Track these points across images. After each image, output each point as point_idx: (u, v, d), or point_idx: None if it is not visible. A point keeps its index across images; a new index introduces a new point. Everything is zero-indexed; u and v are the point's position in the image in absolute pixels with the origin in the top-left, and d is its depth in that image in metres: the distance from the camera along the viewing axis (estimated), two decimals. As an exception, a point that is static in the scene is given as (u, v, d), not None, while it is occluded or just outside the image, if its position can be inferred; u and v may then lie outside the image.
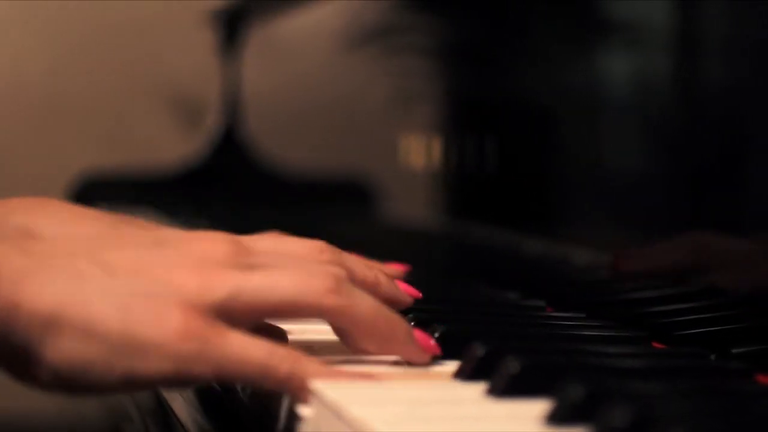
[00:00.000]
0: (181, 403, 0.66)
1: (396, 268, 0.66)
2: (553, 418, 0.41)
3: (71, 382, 0.45)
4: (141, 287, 0.46)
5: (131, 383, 0.45)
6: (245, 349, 0.46)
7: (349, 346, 0.50)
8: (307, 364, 0.46)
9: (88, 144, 1.62)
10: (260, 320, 0.49)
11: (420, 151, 1.12)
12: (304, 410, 0.46)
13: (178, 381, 0.46)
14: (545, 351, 0.50)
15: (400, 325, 0.49)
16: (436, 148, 1.09)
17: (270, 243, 0.52)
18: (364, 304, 0.48)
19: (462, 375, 0.48)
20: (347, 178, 1.25)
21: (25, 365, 0.45)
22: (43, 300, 0.45)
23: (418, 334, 0.50)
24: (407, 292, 0.56)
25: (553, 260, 0.81)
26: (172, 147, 1.48)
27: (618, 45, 0.84)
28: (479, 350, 0.47)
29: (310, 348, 0.52)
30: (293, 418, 0.46)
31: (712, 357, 0.53)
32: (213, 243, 0.49)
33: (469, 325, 0.56)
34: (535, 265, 0.84)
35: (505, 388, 0.44)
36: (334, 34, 1.23)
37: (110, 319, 0.45)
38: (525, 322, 0.60)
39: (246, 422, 0.54)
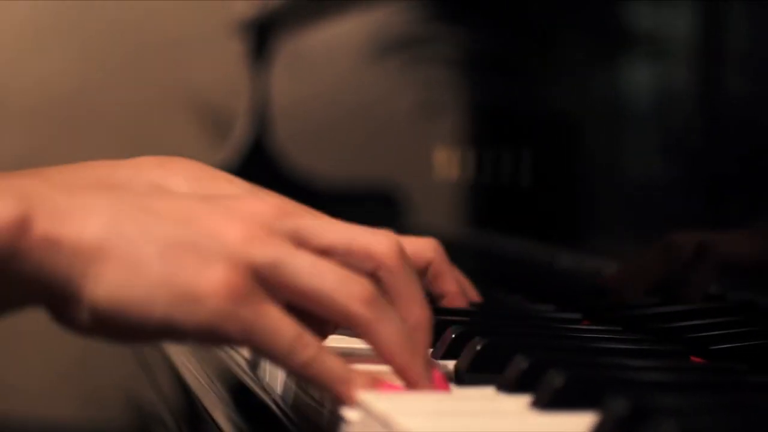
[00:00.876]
0: (215, 402, 0.66)
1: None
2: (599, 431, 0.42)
3: (109, 323, 0.45)
4: (185, 234, 0.45)
5: (168, 330, 0.45)
6: (278, 322, 0.45)
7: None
8: (328, 359, 0.46)
9: (118, 153, 1.63)
10: (288, 300, 0.48)
11: (446, 162, 1.13)
12: (350, 413, 0.46)
13: (210, 337, 0.45)
14: (587, 364, 0.51)
15: (418, 358, 0.48)
16: (463, 158, 1.09)
17: (328, 225, 0.50)
18: (391, 326, 0.47)
19: (505, 387, 0.48)
20: (374, 189, 1.26)
21: (65, 302, 0.45)
22: (84, 236, 0.44)
23: (435, 374, 0.48)
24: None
25: (585, 273, 0.82)
26: (201, 157, 1.49)
27: (645, 55, 0.84)
28: (522, 363, 0.48)
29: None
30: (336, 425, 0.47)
31: (749, 372, 0.53)
32: (265, 202, 0.49)
33: (509, 338, 0.56)
34: (566, 277, 0.84)
35: (550, 401, 0.45)
36: (361, 45, 1.23)
37: (153, 261, 0.44)
38: (563, 335, 0.61)
39: (286, 426, 0.55)
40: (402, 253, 0.50)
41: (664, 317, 0.64)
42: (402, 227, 1.23)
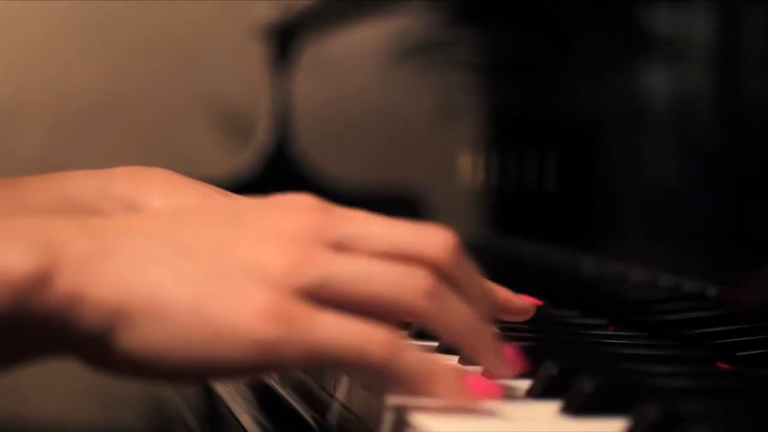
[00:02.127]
0: (241, 405, 0.66)
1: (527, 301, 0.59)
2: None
3: (147, 371, 0.42)
4: (218, 267, 0.43)
5: (213, 369, 0.42)
6: (339, 330, 0.42)
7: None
8: (408, 353, 0.43)
9: (138, 156, 1.64)
10: (347, 309, 0.44)
11: (467, 166, 1.13)
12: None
13: (264, 366, 0.42)
14: (616, 370, 0.51)
15: (488, 338, 0.46)
16: (484, 162, 1.10)
17: (369, 224, 0.46)
18: (458, 312, 0.45)
19: (534, 393, 0.49)
20: (395, 192, 1.26)
21: (95, 354, 0.43)
22: (108, 289, 0.42)
23: (507, 350, 0.47)
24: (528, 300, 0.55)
25: (609, 278, 0.82)
26: (222, 161, 1.49)
27: (666, 58, 0.84)
28: (552, 369, 0.48)
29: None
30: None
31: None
32: (300, 214, 0.45)
33: (536, 343, 0.56)
34: (590, 282, 0.84)
35: (581, 406, 0.45)
36: (382, 50, 1.24)
37: (183, 301, 0.41)
38: (590, 340, 0.61)
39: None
40: (457, 247, 0.46)
41: (690, 323, 0.64)
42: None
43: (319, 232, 0.44)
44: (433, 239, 0.46)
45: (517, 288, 0.91)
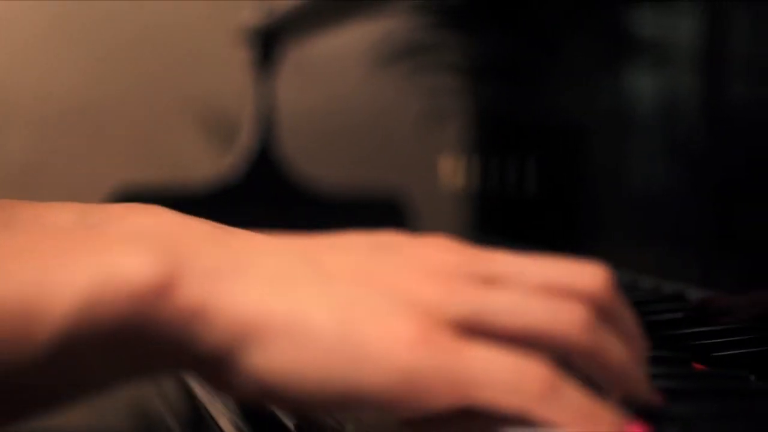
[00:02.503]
0: (220, 409, 0.66)
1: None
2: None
3: (279, 396, 0.39)
4: (363, 293, 0.40)
5: (352, 397, 0.39)
6: (491, 362, 0.39)
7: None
8: (568, 392, 0.39)
9: (122, 159, 1.64)
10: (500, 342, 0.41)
11: (452, 170, 1.13)
12: None
13: (407, 398, 0.38)
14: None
15: (642, 381, 0.43)
16: (469, 166, 1.09)
17: (518, 259, 0.44)
18: (615, 350, 0.42)
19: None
20: (380, 196, 1.26)
21: (221, 374, 0.39)
22: (246, 305, 0.38)
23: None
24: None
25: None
26: (206, 164, 1.49)
27: (651, 63, 0.84)
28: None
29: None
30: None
31: (752, 378, 0.53)
32: (444, 251, 0.42)
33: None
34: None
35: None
36: (368, 54, 1.24)
37: (325, 323, 0.38)
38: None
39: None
40: (613, 284, 0.43)
41: (667, 324, 0.64)
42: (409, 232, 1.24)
43: (467, 266, 0.42)
44: (587, 274, 0.43)
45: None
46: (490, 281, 0.42)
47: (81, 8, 1.68)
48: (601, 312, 0.42)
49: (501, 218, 1.07)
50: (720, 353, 0.58)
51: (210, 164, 1.43)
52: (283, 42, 1.30)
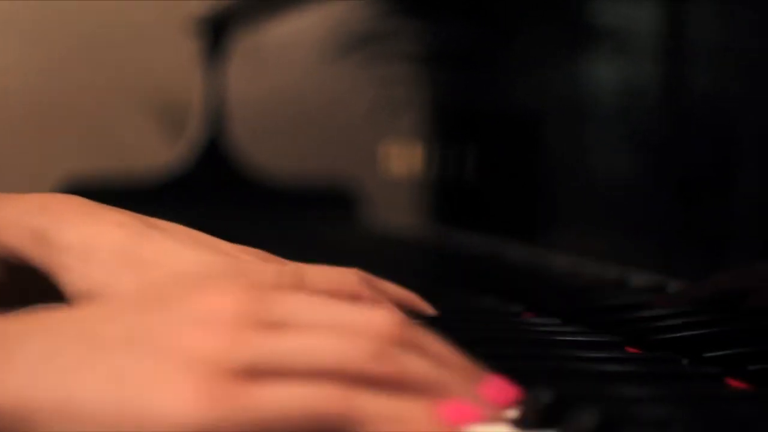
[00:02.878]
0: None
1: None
2: (521, 423, 0.41)
3: None
4: (140, 357, 0.39)
5: None
6: (283, 397, 0.38)
7: None
8: (367, 396, 0.39)
9: (72, 149, 1.62)
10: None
11: (404, 159, 1.12)
12: None
13: None
14: (519, 356, 0.50)
15: (461, 381, 0.42)
16: (421, 155, 1.09)
17: (301, 303, 0.42)
18: (422, 367, 0.41)
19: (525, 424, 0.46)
20: (332, 186, 1.25)
21: None
22: (12, 391, 0.38)
23: (494, 383, 0.42)
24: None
25: (534, 266, 0.81)
26: (157, 153, 1.48)
27: (604, 52, 0.84)
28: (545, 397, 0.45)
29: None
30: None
31: (685, 362, 0.53)
32: (231, 295, 0.41)
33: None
34: (515, 271, 0.84)
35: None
36: (320, 42, 1.23)
37: (100, 401, 0.38)
38: (500, 327, 0.60)
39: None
40: (406, 323, 0.42)
41: (603, 309, 0.64)
42: (358, 224, 1.23)
43: (253, 312, 0.40)
44: (377, 314, 0.42)
45: (441, 276, 0.91)
46: (277, 325, 0.40)
47: (28, 5, 1.66)
48: (396, 343, 0.41)
49: (455, 207, 1.06)
50: (659, 337, 0.58)
51: (163, 154, 1.42)
52: (233, 31, 1.29)
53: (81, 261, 0.52)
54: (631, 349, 0.55)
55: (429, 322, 0.57)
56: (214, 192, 1.27)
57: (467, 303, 0.68)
